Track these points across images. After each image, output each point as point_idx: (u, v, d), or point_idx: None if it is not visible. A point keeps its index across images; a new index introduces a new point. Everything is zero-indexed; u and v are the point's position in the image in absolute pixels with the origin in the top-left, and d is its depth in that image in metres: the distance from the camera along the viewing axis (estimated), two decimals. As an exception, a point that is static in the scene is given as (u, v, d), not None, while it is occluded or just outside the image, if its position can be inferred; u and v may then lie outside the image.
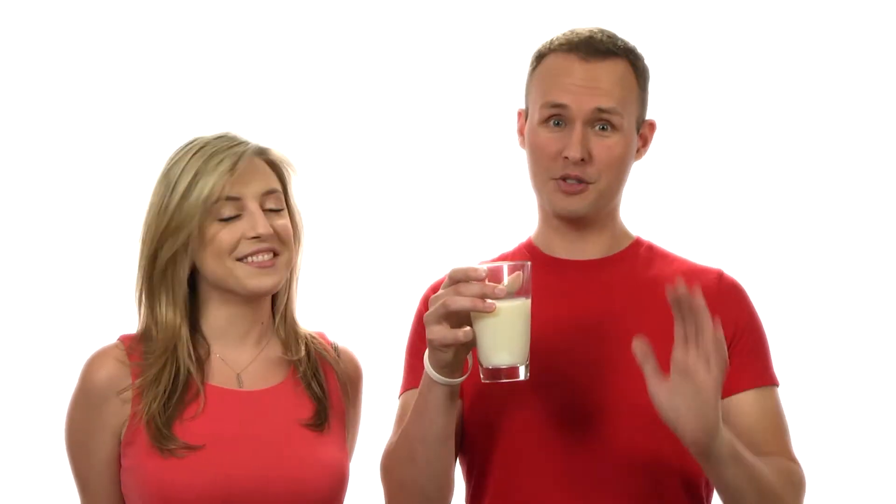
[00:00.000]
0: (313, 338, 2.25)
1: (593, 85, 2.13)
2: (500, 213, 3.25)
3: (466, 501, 2.23)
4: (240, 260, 2.12)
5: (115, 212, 3.34)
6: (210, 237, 2.12)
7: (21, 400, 3.42)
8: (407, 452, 2.09)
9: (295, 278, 2.24)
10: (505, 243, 2.32)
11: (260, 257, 2.12)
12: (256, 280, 2.13)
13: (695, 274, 2.18)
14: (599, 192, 2.14)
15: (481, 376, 1.95)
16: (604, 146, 2.13)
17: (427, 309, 2.05)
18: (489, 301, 1.88)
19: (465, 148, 3.47)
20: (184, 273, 2.14)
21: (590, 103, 2.12)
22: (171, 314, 2.14)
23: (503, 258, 2.27)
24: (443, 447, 2.06)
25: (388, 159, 3.51)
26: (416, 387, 2.09)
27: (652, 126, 2.22)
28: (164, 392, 2.10)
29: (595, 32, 2.17)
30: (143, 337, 2.17)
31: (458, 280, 1.91)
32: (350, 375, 2.26)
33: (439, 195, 3.49)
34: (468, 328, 1.91)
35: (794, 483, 2.08)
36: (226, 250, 2.12)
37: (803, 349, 3.35)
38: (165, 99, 3.46)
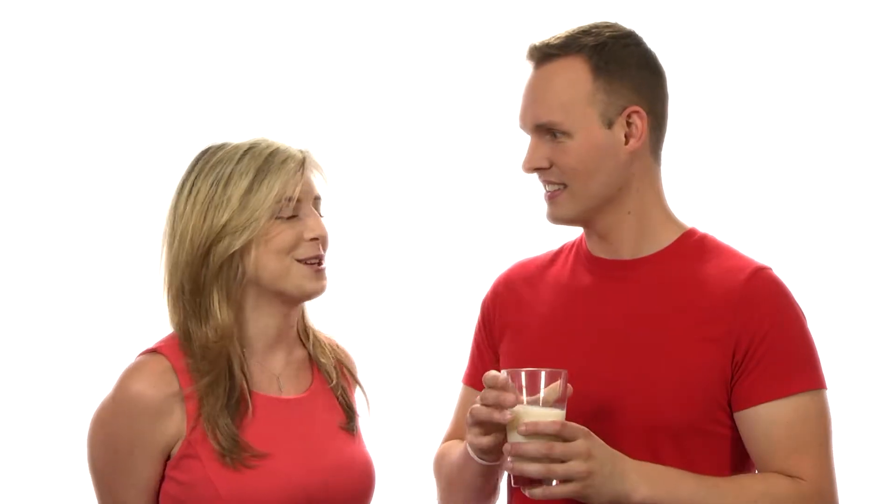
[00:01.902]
0: (320, 337, 2.24)
1: (534, 97, 2.14)
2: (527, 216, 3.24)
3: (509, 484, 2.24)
4: (298, 261, 2.11)
5: (114, 219, 3.39)
6: (272, 234, 2.09)
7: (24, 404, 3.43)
8: (451, 487, 2.20)
9: None
10: (533, 246, 2.32)
11: (316, 260, 2.12)
12: (313, 283, 2.12)
13: (730, 272, 2.13)
14: (574, 195, 2.12)
15: (511, 481, 2.03)
16: (559, 152, 2.12)
17: (490, 301, 2.27)
18: (505, 413, 1.95)
19: (486, 150, 3.47)
20: (240, 271, 2.10)
21: (532, 119, 2.13)
22: (227, 314, 2.09)
23: (564, 248, 2.27)
24: (484, 489, 2.15)
25: (406, 164, 3.52)
26: (473, 386, 2.21)
27: (638, 113, 2.13)
28: (224, 396, 2.06)
29: (553, 35, 2.15)
30: (184, 342, 2.11)
31: (487, 385, 1.98)
32: (350, 367, 2.26)
33: (459, 198, 3.51)
34: (492, 441, 2.00)
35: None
36: (286, 248, 2.09)
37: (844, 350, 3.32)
38: (173, 106, 3.48)
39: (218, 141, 2.15)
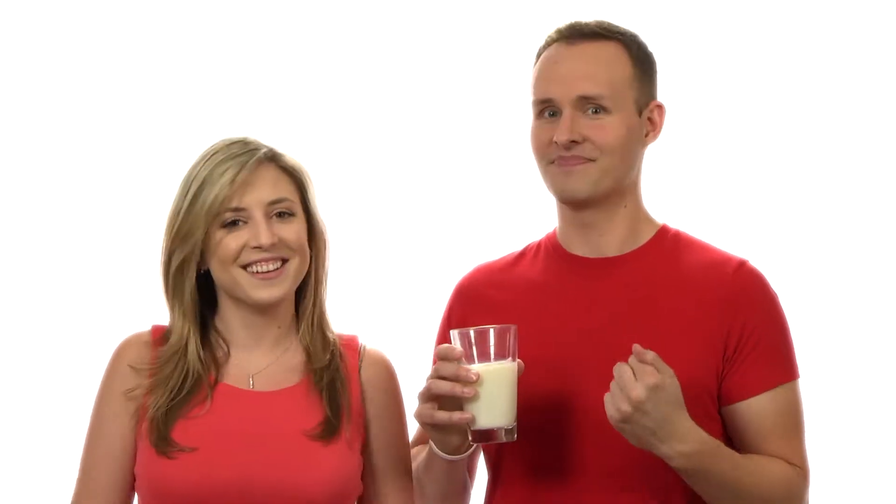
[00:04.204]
0: (336, 343, 2.19)
1: (576, 72, 2.13)
2: (517, 211, 3.24)
3: (487, 488, 2.24)
4: (244, 268, 2.10)
5: (130, 211, 3.38)
6: (215, 244, 2.10)
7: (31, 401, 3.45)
8: (420, 489, 2.18)
9: (323, 284, 2.20)
10: (523, 240, 2.32)
11: (264, 267, 2.10)
12: (260, 291, 2.10)
13: (713, 266, 2.16)
14: (602, 170, 2.12)
15: (469, 436, 2.00)
16: (597, 127, 2.12)
17: (456, 307, 2.24)
18: (468, 388, 1.94)
19: (481, 147, 3.48)
20: (191, 280, 2.12)
21: (573, 91, 2.12)
22: (181, 320, 2.13)
23: (528, 249, 2.27)
24: (452, 488, 2.16)
25: (405, 162, 3.52)
26: None
27: (660, 108, 2.20)
28: (171, 391, 2.10)
29: (585, 21, 2.18)
30: (168, 332, 2.16)
31: (441, 357, 1.97)
32: (373, 380, 2.18)
33: (456, 195, 3.50)
34: (442, 414, 1.97)
35: (791, 494, 2.10)
36: (230, 258, 2.10)
37: (822, 343, 3.33)
38: (179, 101, 3.48)
39: (204, 140, 2.18)
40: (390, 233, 3.49)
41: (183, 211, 2.10)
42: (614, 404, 1.93)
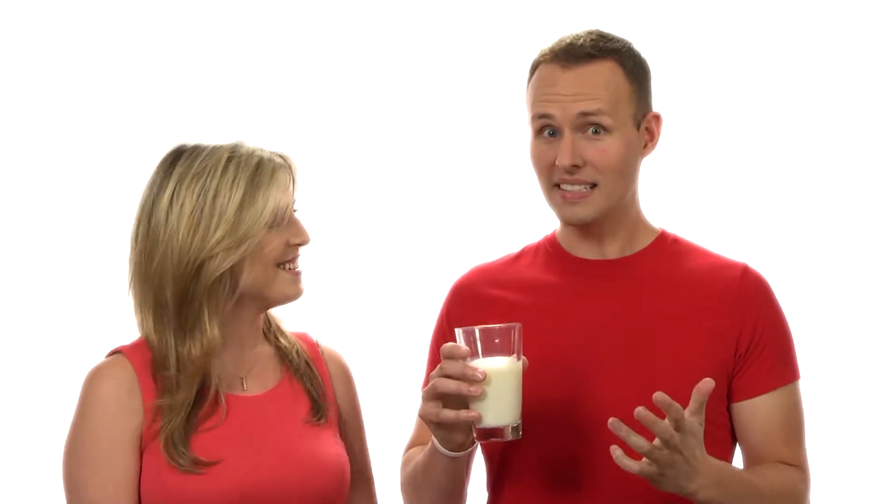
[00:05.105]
0: (290, 336, 2.22)
1: (575, 91, 2.13)
2: (513, 212, 3.25)
3: (488, 487, 2.24)
4: (279, 266, 2.10)
5: (108, 217, 3.36)
6: (266, 247, 2.08)
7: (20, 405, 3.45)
8: (417, 490, 2.18)
9: None
10: (517, 242, 2.33)
11: (296, 264, 2.13)
12: (295, 288, 2.13)
13: (718, 269, 2.19)
14: (605, 196, 2.14)
15: (474, 435, 2.00)
16: (597, 150, 2.13)
17: (454, 307, 2.24)
18: (474, 386, 1.92)
19: (475, 147, 3.49)
20: (233, 285, 2.08)
21: (573, 109, 2.12)
22: (216, 329, 2.08)
23: (526, 251, 2.29)
24: (452, 489, 2.13)
25: (397, 160, 3.52)
26: None
27: (657, 118, 2.21)
28: (188, 407, 2.05)
29: (578, 38, 2.17)
30: (156, 351, 2.09)
31: (446, 356, 1.96)
32: (336, 373, 2.23)
33: (450, 195, 3.51)
34: (449, 413, 1.96)
35: (795, 499, 2.13)
36: (277, 258, 2.10)
37: (822, 344, 3.35)
38: (167, 103, 3.48)
39: (188, 142, 2.12)
40: (380, 235, 3.49)
41: (231, 215, 2.05)
42: (656, 458, 1.90)
